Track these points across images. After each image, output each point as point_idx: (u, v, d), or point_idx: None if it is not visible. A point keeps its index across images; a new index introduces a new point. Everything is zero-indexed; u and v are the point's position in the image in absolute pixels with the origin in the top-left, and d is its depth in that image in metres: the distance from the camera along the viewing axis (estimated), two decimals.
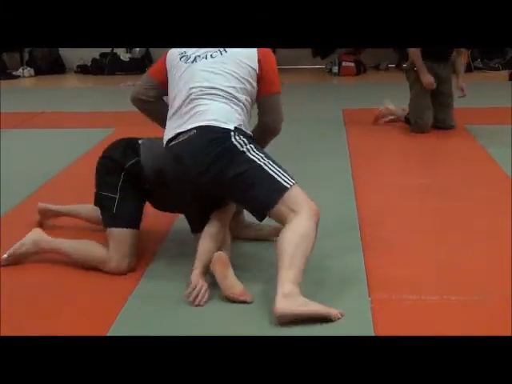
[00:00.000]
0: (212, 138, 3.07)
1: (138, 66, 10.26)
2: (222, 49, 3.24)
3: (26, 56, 10.58)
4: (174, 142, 3.17)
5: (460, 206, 4.23)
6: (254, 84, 3.26)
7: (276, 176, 3.07)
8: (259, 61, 3.24)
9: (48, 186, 4.74)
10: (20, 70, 10.36)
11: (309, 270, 3.22)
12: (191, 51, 3.26)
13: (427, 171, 5.00)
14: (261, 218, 3.14)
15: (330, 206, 4.19)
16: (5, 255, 3.41)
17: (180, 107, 3.20)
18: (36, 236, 3.44)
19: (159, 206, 3.54)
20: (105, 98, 8.59)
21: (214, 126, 3.09)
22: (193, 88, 3.18)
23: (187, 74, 3.23)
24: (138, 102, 3.48)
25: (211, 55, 3.23)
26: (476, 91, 8.44)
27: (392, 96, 8.15)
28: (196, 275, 3.04)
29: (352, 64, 9.81)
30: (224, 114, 3.13)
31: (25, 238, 3.43)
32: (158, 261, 3.50)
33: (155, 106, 3.45)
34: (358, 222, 3.88)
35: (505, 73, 9.48)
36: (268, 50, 3.32)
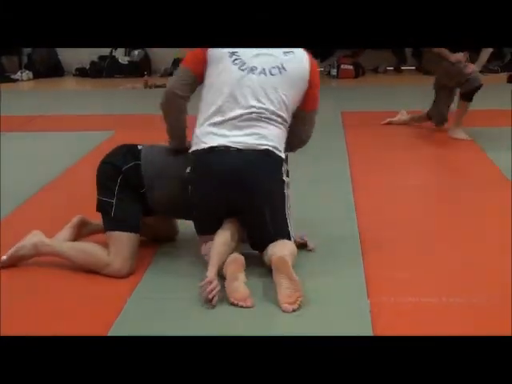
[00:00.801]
0: (269, 162, 3.19)
1: (136, 69, 10.26)
2: (279, 65, 3.20)
3: (25, 59, 10.58)
4: (219, 149, 3.16)
5: (459, 208, 4.24)
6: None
7: (288, 221, 3.28)
8: (309, 80, 3.29)
9: (48, 189, 4.74)
10: (18, 73, 10.35)
11: (308, 272, 3.23)
12: (244, 55, 3.19)
13: (426, 173, 5.01)
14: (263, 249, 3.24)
15: (328, 208, 4.20)
16: (4, 257, 3.40)
17: (235, 118, 3.18)
18: (36, 239, 3.43)
19: (159, 211, 3.52)
20: (104, 101, 8.59)
21: (273, 152, 3.19)
22: (255, 107, 3.18)
23: (246, 86, 3.19)
24: (173, 98, 3.35)
25: (270, 72, 3.20)
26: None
27: (390, 98, 8.18)
28: (213, 272, 3.04)
29: (351, 67, 9.82)
30: (280, 142, 3.25)
31: (24, 240, 3.43)
32: (158, 262, 3.49)
33: (185, 105, 3.38)
34: (357, 225, 3.88)
35: (503, 75, 9.49)
36: (316, 65, 3.37)
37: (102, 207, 3.38)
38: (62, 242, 3.47)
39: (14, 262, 3.41)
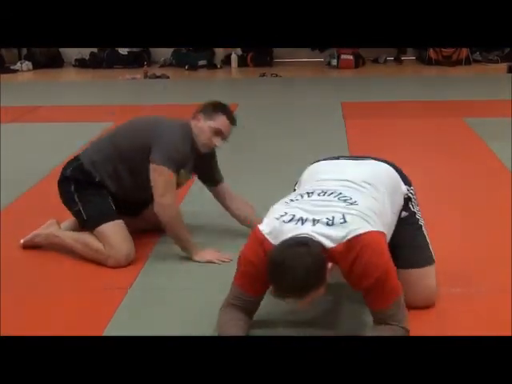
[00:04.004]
0: None
1: (136, 60, 10.25)
2: None
3: (24, 50, 10.56)
4: None
5: (459, 198, 4.24)
6: None
7: None
8: None
9: (48, 180, 4.73)
10: (18, 64, 10.33)
11: None
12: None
13: (426, 164, 5.00)
14: None
15: None
16: (21, 241, 3.56)
17: None
18: (50, 230, 3.55)
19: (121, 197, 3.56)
20: (103, 92, 8.58)
21: None
22: None
23: None
24: None
25: None
26: (475, 84, 8.47)
27: (390, 89, 8.17)
28: None
29: (351, 57, 9.80)
30: None
31: (40, 228, 3.56)
32: (159, 251, 3.51)
33: None
34: None
35: (503, 65, 9.48)
36: None
37: (76, 217, 3.49)
38: (69, 234, 3.53)
39: (30, 246, 3.57)
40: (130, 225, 3.50)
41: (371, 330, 2.58)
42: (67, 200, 3.48)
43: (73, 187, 3.44)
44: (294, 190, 3.01)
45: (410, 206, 2.94)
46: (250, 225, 3.50)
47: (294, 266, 2.32)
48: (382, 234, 2.55)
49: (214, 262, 3.36)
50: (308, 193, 2.69)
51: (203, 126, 3.35)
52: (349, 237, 2.46)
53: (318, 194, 2.66)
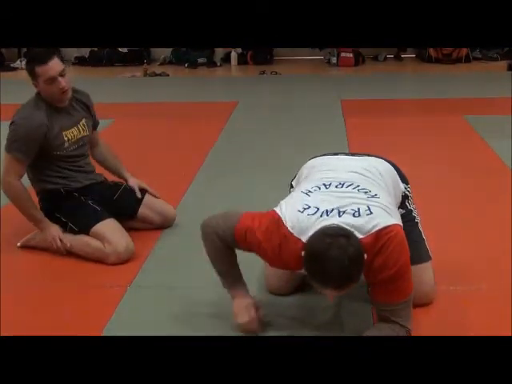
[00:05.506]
0: None
1: (136, 58, 10.24)
2: None
3: (24, 48, 10.55)
4: None
5: (459, 196, 4.25)
6: None
7: None
8: None
9: None
10: (18, 61, 10.32)
11: None
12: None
13: (426, 162, 5.00)
14: None
15: None
16: (18, 244, 3.58)
17: None
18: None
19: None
20: (103, 90, 8.57)
21: None
22: None
23: None
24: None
25: None
26: (475, 82, 8.47)
27: (390, 86, 8.17)
28: None
29: (350, 55, 9.80)
30: None
31: (33, 233, 3.57)
32: (155, 256, 3.51)
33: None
34: None
35: (503, 63, 9.48)
36: None
37: (71, 232, 3.52)
38: (67, 235, 3.53)
39: (28, 247, 3.58)
40: (127, 226, 3.56)
41: (373, 328, 2.59)
42: (60, 225, 3.53)
43: (55, 212, 3.53)
44: (291, 185, 3.01)
45: (407, 203, 2.96)
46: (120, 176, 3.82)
47: (340, 256, 2.29)
48: (402, 227, 2.57)
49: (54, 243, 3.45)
50: (325, 184, 2.68)
51: (40, 87, 3.43)
52: (377, 228, 2.46)
53: (336, 186, 2.66)
